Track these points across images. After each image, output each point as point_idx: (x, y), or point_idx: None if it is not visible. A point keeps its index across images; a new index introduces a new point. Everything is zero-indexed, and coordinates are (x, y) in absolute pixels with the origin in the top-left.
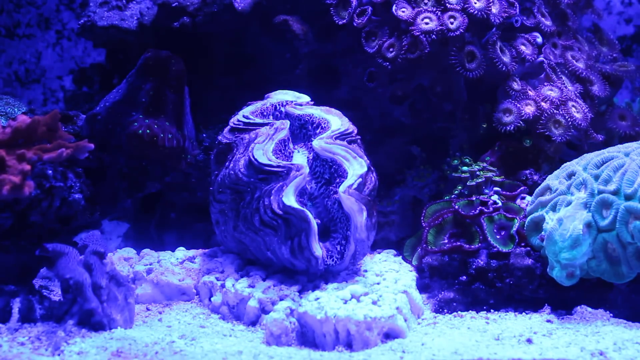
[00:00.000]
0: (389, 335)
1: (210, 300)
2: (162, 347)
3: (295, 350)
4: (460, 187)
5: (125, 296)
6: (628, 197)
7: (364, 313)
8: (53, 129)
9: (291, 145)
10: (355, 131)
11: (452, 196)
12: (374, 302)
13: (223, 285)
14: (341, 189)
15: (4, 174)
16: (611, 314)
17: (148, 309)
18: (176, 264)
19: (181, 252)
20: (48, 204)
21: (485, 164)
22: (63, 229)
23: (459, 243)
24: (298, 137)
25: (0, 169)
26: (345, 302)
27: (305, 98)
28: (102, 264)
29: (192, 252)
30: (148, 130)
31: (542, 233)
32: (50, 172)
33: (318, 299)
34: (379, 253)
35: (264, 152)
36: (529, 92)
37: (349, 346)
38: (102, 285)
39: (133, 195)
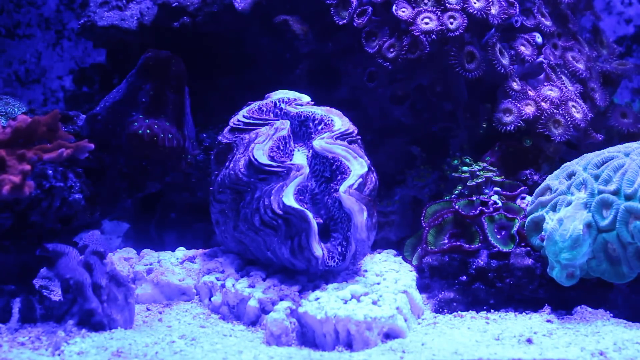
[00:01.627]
0: (389, 335)
1: (210, 300)
2: (162, 347)
3: (296, 350)
4: (460, 187)
5: (125, 296)
6: (628, 197)
7: (364, 313)
8: (53, 129)
9: (292, 144)
10: (356, 131)
11: (452, 196)
12: (374, 302)
13: (223, 286)
14: (341, 188)
15: (4, 174)
16: (611, 314)
17: (148, 309)
18: (176, 264)
19: (181, 252)
20: (48, 204)
21: (485, 164)
22: (63, 229)
23: (459, 243)
24: (298, 135)
25: (0, 169)
26: (346, 302)
27: (306, 98)
28: (102, 264)
29: (192, 252)
30: (148, 131)
31: (543, 233)
32: (50, 172)
33: (318, 299)
34: (379, 253)
35: (264, 152)
36: (529, 92)
37: (349, 346)
38: (102, 285)
39: (133, 195)
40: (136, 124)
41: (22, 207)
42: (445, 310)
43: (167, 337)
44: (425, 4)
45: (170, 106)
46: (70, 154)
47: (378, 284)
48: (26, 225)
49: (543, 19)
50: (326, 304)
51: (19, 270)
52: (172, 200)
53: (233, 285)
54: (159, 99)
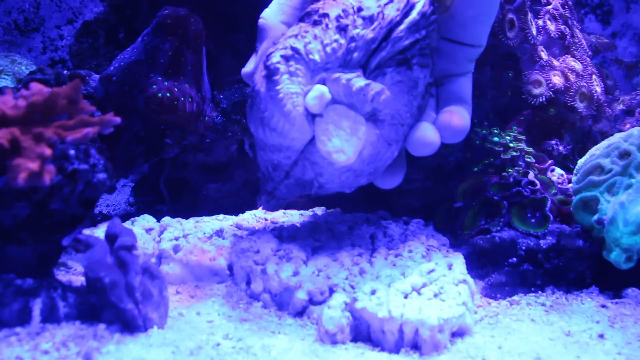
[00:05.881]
0: (454, 333)
1: (248, 285)
2: (209, 353)
3: (363, 350)
4: (492, 159)
5: (160, 290)
6: None
7: (437, 315)
8: (74, 101)
9: None
10: None
11: (483, 170)
12: (436, 295)
13: (264, 271)
14: None
15: (19, 157)
16: None
17: (178, 292)
18: (204, 239)
19: (207, 225)
20: (70, 190)
21: (515, 134)
22: (86, 214)
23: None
24: None
25: (14, 152)
26: (406, 297)
27: None
28: (134, 257)
29: (215, 223)
30: (168, 94)
31: (597, 215)
32: (72, 152)
33: (375, 292)
34: (407, 223)
35: None
36: (554, 62)
37: (415, 347)
38: (137, 283)
39: (150, 160)
40: (155, 86)
41: (41, 195)
42: (499, 296)
43: (210, 338)
44: None
45: (189, 67)
46: (96, 133)
47: (433, 270)
48: (45, 214)
49: None
50: (386, 298)
51: (37, 262)
52: (184, 161)
53: (276, 272)
54: (178, 59)
